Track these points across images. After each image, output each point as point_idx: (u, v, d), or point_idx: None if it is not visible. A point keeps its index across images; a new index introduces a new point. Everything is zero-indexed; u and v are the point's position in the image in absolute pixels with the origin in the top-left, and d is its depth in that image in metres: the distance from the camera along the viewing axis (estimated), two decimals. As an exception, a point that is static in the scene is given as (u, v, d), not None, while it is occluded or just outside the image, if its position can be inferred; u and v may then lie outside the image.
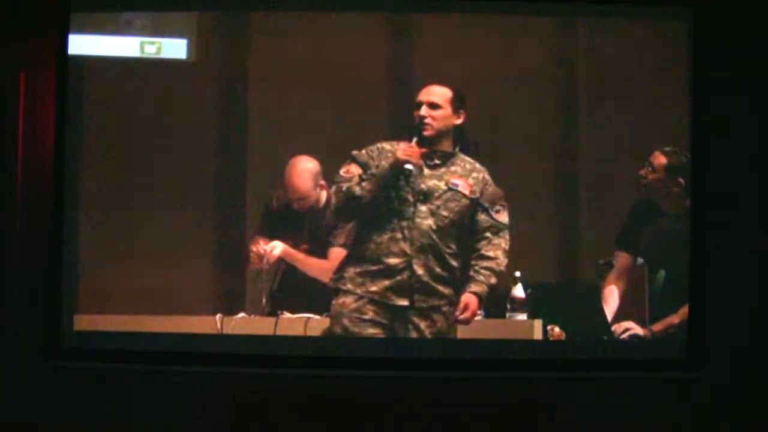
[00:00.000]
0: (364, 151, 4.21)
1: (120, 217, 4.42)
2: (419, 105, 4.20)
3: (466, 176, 4.21)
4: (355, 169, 4.18)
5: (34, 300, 4.34)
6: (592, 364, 4.30)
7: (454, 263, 4.17)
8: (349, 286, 4.17)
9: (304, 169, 4.43)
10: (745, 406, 4.33)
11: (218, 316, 4.32)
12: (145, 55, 4.47)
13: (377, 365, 4.24)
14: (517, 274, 4.21)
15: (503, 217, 4.21)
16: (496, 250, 4.18)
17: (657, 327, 4.31)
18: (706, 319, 4.29)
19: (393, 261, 4.14)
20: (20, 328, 4.35)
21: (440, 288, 4.15)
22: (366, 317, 4.15)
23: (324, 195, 4.45)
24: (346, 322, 4.16)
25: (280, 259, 4.41)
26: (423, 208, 4.15)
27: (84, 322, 4.35)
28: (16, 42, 4.38)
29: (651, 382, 4.32)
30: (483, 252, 4.17)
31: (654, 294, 4.36)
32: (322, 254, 4.40)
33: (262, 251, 4.38)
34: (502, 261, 4.18)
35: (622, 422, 4.31)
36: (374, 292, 4.14)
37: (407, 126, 4.22)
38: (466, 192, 4.19)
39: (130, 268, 4.39)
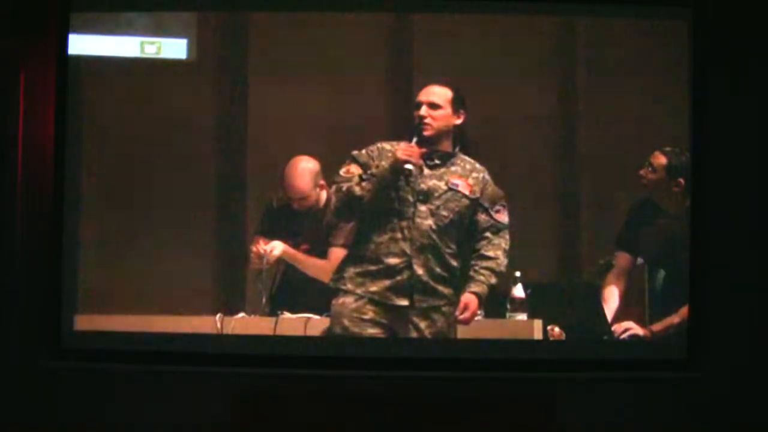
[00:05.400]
0: (364, 151, 4.21)
1: (120, 217, 4.42)
2: (419, 105, 4.20)
3: (466, 176, 4.21)
4: (355, 169, 4.18)
5: (34, 300, 4.34)
6: (592, 364, 4.30)
7: (454, 263, 4.17)
8: (349, 286, 4.16)
9: (304, 169, 4.43)
10: (745, 406, 4.33)
11: (218, 316, 4.32)
12: (145, 55, 4.47)
13: (377, 365, 4.24)
14: (517, 274, 4.21)
15: (503, 217, 4.21)
16: (496, 250, 4.18)
17: (657, 327, 4.31)
18: (706, 319, 4.29)
19: (393, 261, 4.14)
20: (20, 328, 4.35)
21: (440, 288, 4.15)
22: (366, 317, 4.15)
23: (324, 195, 4.45)
24: (346, 322, 4.16)
25: (280, 259, 4.40)
26: (423, 208, 4.15)
27: (84, 322, 4.35)
28: (16, 42, 4.39)
29: (651, 382, 4.32)
30: (483, 252, 4.17)
31: (654, 294, 4.37)
32: (322, 254, 4.39)
33: (262, 251, 4.38)
34: (502, 261, 4.18)
35: (621, 422, 4.32)
36: (374, 292, 4.14)
37: (407, 126, 4.22)
38: (466, 192, 4.19)
39: (130, 268, 4.39)
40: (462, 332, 4.19)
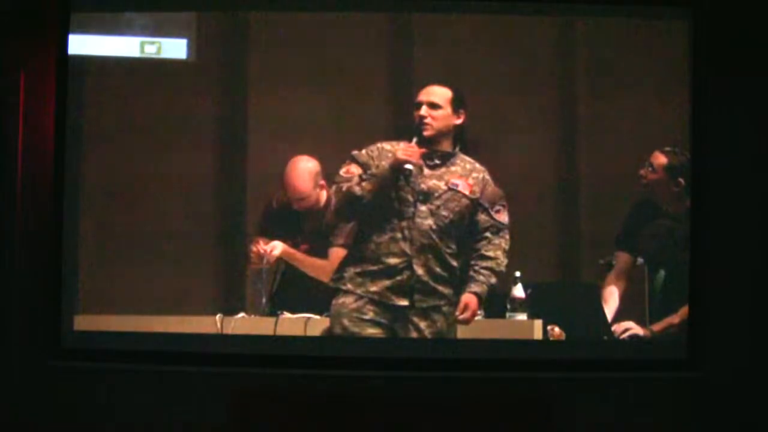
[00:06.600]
0: (364, 151, 4.21)
1: (120, 217, 4.42)
2: (419, 105, 4.20)
3: (466, 176, 4.21)
4: (355, 169, 4.18)
5: (34, 300, 4.34)
6: (592, 364, 4.30)
7: (454, 263, 4.17)
8: (349, 286, 4.17)
9: (304, 169, 4.43)
10: (745, 406, 4.33)
11: (218, 316, 4.32)
12: (145, 55, 4.47)
13: (377, 365, 4.24)
14: (517, 274, 4.21)
15: (503, 217, 4.21)
16: (496, 250, 4.18)
17: (657, 327, 4.31)
18: (706, 319, 4.29)
19: (393, 261, 4.14)
20: (20, 328, 4.35)
21: (440, 288, 4.15)
22: (366, 317, 4.15)
23: (324, 195, 4.45)
24: (346, 322, 4.17)
25: (280, 259, 4.41)
26: (423, 208, 4.15)
27: (84, 322, 4.35)
28: (16, 42, 4.39)
29: (651, 382, 4.32)
30: (483, 252, 4.17)
31: (654, 294, 4.37)
32: (322, 254, 4.39)
33: (262, 251, 4.38)
34: (502, 261, 4.18)
35: (621, 422, 4.31)
36: (374, 292, 4.14)
37: (407, 126, 4.22)
38: (466, 192, 4.19)
39: (130, 268, 4.39)
40: (462, 332, 4.19)
